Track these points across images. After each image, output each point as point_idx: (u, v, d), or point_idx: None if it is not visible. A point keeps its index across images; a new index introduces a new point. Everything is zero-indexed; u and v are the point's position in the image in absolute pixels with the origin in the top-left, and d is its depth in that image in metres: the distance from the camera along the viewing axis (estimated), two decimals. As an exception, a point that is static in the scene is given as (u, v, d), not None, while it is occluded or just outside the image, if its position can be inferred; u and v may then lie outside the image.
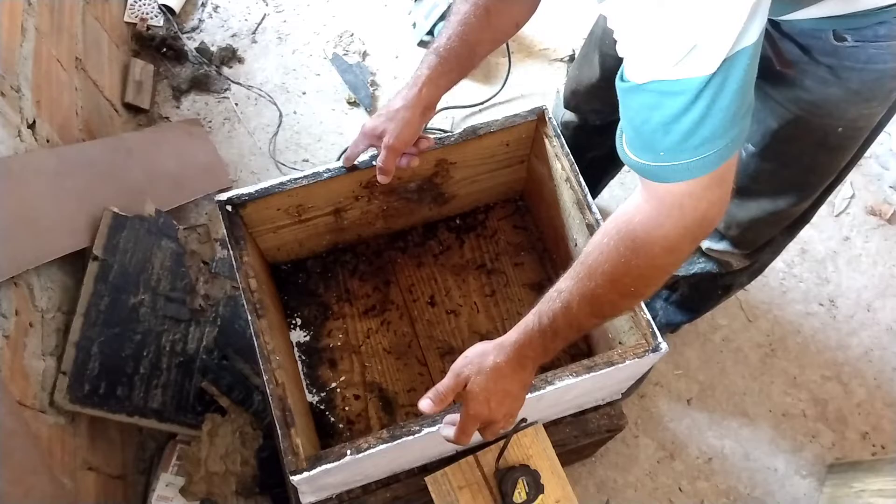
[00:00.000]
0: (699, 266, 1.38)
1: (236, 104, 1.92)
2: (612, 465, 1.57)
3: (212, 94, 1.92)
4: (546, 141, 1.18)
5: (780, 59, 0.93)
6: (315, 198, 1.17)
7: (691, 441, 1.61)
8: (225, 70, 1.96)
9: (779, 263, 1.80)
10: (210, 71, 1.93)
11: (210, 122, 1.89)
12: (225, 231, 1.09)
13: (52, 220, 1.28)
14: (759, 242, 1.28)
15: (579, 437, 1.21)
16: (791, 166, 1.09)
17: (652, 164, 0.67)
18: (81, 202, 1.35)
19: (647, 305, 1.07)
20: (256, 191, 1.11)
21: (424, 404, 0.86)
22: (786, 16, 0.88)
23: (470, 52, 1.01)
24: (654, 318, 1.06)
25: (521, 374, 0.86)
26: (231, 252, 1.08)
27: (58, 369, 1.20)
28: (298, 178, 1.12)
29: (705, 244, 1.32)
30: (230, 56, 1.97)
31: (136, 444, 1.44)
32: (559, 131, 1.17)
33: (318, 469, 0.93)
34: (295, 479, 0.93)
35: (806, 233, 1.84)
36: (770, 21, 0.92)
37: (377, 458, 0.97)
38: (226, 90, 1.93)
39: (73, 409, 1.19)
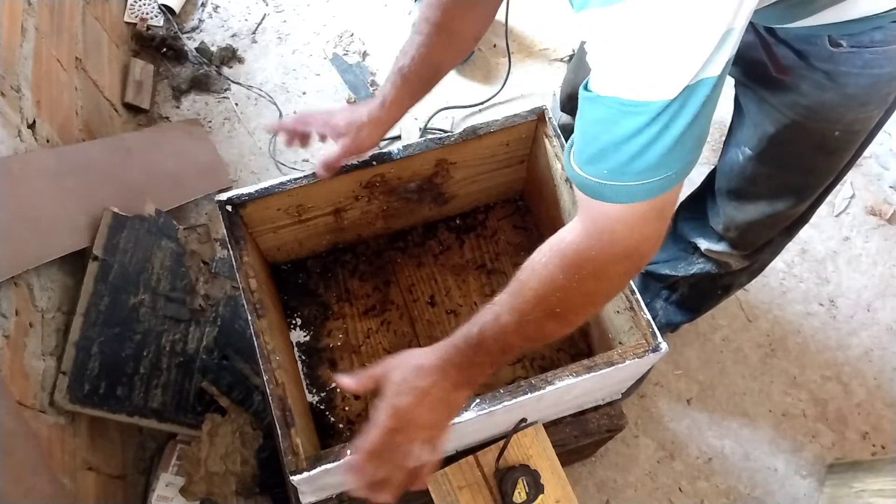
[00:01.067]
0: (698, 266, 1.38)
1: (236, 104, 1.92)
2: (612, 465, 1.57)
3: (212, 94, 1.92)
4: (546, 141, 1.18)
5: (775, 65, 0.93)
6: (315, 198, 1.17)
7: (691, 441, 1.61)
8: (225, 70, 1.96)
9: (779, 263, 1.80)
10: (210, 71, 1.93)
11: (210, 122, 1.89)
12: (225, 231, 1.09)
13: (52, 220, 1.27)
14: (757, 244, 1.28)
15: (579, 437, 1.21)
16: (789, 169, 1.09)
17: (593, 179, 0.66)
18: (81, 202, 1.35)
19: (647, 305, 1.07)
20: (256, 191, 1.11)
21: (343, 378, 0.80)
22: (780, 25, 0.88)
23: (433, 71, 1.04)
24: (654, 318, 1.06)
25: (443, 382, 0.78)
26: (231, 252, 1.08)
27: (58, 369, 1.20)
28: (298, 178, 1.13)
29: (704, 245, 1.33)
30: (230, 56, 1.97)
31: (136, 444, 1.44)
32: (559, 131, 1.17)
33: (318, 469, 0.93)
34: (295, 479, 0.93)
35: (806, 233, 1.84)
36: (766, 28, 0.92)
37: None
38: (226, 90, 1.94)
39: (73, 409, 1.19)
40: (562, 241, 0.73)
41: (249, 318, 1.03)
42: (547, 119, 1.18)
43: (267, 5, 2.07)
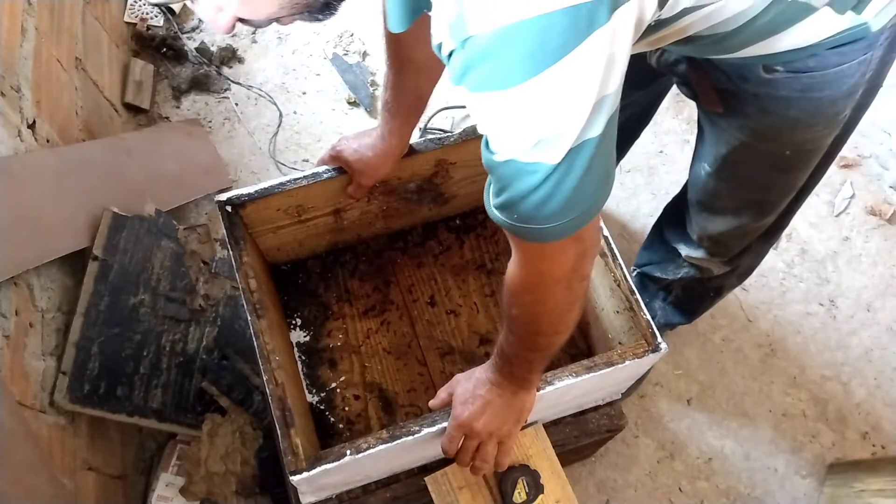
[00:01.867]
0: (684, 270, 1.41)
1: (236, 104, 1.92)
2: (612, 465, 1.57)
3: (212, 94, 1.92)
4: None
5: (706, 98, 0.95)
6: (315, 198, 1.17)
7: (691, 441, 1.61)
8: (225, 70, 1.96)
9: (779, 263, 1.80)
10: (210, 71, 1.93)
11: (210, 122, 1.89)
12: (225, 231, 1.09)
13: (52, 220, 1.28)
14: (733, 251, 1.29)
15: (579, 437, 1.21)
16: (747, 186, 1.10)
17: (510, 222, 0.70)
18: (81, 202, 1.35)
19: (646, 305, 1.07)
20: (256, 191, 1.11)
21: (431, 402, 1.00)
22: (717, 56, 0.88)
23: (414, 98, 1.08)
24: (653, 318, 1.06)
25: (499, 389, 0.92)
26: (231, 252, 1.08)
27: (58, 369, 1.20)
28: (298, 179, 1.13)
29: (685, 251, 1.35)
30: (230, 56, 1.97)
31: (136, 444, 1.44)
32: None
33: (318, 469, 0.93)
34: (295, 479, 0.93)
35: (806, 233, 1.84)
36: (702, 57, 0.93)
37: (377, 458, 0.97)
38: (226, 90, 1.93)
39: (73, 409, 1.19)
40: (507, 274, 0.80)
41: (249, 318, 1.03)
42: None
43: (267, 5, 2.07)
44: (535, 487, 1.08)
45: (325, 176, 1.14)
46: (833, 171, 1.93)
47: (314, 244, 1.30)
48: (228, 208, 1.10)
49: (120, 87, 1.81)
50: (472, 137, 1.17)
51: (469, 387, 0.94)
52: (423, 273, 1.33)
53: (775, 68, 0.86)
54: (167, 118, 1.87)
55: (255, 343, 1.01)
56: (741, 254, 1.31)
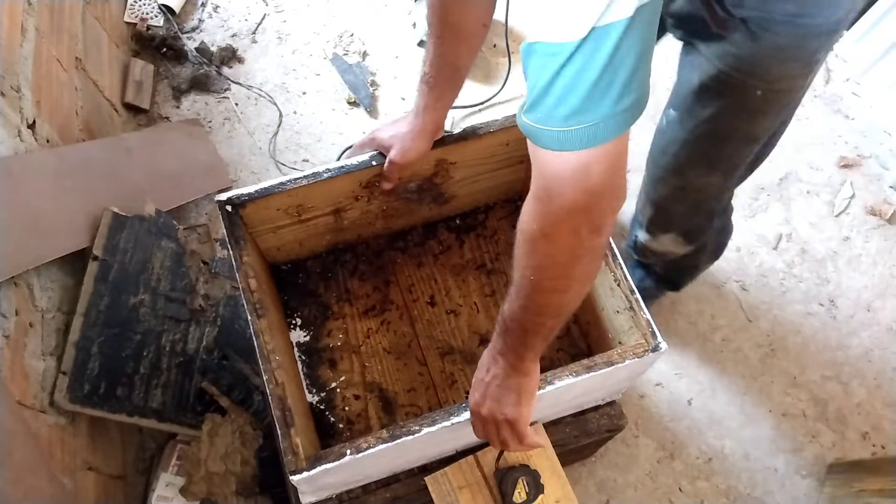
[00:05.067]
0: (653, 259, 1.46)
1: (236, 104, 1.92)
2: (612, 465, 1.57)
3: (212, 94, 1.92)
4: None
5: (714, 19, 0.95)
6: (315, 198, 1.17)
7: (691, 441, 1.61)
8: (225, 70, 1.96)
9: (779, 263, 1.80)
10: (210, 71, 1.93)
11: (210, 122, 1.89)
12: (225, 231, 1.09)
13: (52, 220, 1.28)
14: (676, 222, 1.32)
15: (579, 437, 1.21)
16: (706, 133, 1.10)
17: (531, 124, 0.69)
18: (81, 202, 1.35)
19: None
20: (256, 191, 1.11)
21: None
22: None
23: (452, 70, 1.08)
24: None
25: (494, 367, 0.90)
26: (231, 252, 1.08)
27: (58, 369, 1.20)
28: (298, 178, 1.13)
29: (641, 237, 1.40)
30: (230, 56, 1.97)
31: (136, 444, 1.44)
32: None
33: (318, 469, 0.93)
34: (295, 478, 0.93)
35: (806, 233, 1.84)
36: None
37: (377, 458, 0.97)
38: (226, 90, 1.93)
39: (73, 409, 1.19)
40: (520, 216, 0.78)
41: (249, 318, 1.03)
42: None
43: (267, 5, 2.07)
44: (535, 487, 1.08)
45: (326, 176, 1.14)
46: (833, 171, 1.93)
47: (314, 244, 1.30)
48: (228, 208, 1.10)
49: (120, 87, 1.81)
50: (471, 137, 1.17)
51: (478, 372, 0.93)
52: (423, 273, 1.33)
53: None
54: (167, 118, 1.87)
55: (255, 343, 1.01)
56: (700, 233, 1.34)
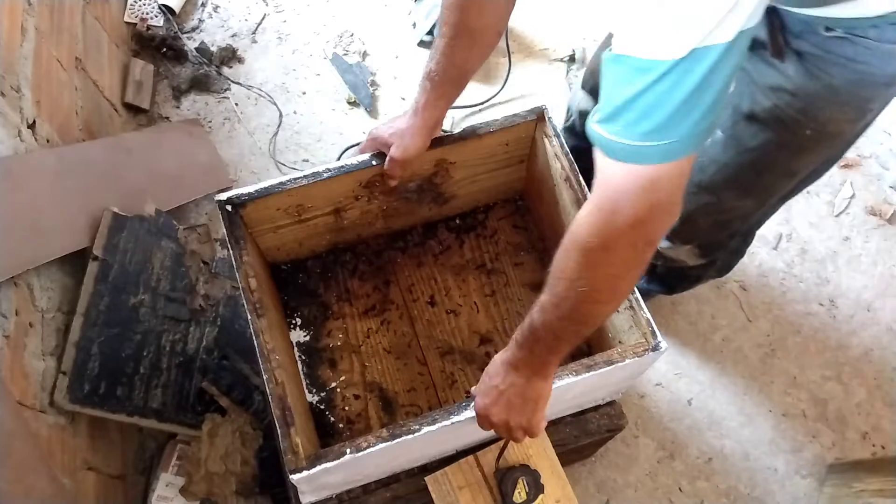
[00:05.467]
0: (660, 262, 1.43)
1: (236, 104, 1.92)
2: (612, 465, 1.57)
3: (212, 94, 1.92)
4: (546, 141, 1.18)
5: (774, 46, 0.94)
6: (315, 198, 1.17)
7: (691, 441, 1.61)
8: (225, 70, 1.96)
9: (779, 263, 1.80)
10: (210, 71, 1.93)
11: (210, 122, 1.89)
12: (225, 230, 1.09)
13: (52, 220, 1.28)
14: (698, 237, 1.30)
15: (579, 437, 1.21)
16: (747, 161, 1.09)
17: (607, 135, 0.69)
18: (81, 202, 1.35)
19: None
20: (256, 190, 1.11)
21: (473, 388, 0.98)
22: (786, 6, 0.89)
23: (460, 72, 1.07)
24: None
25: (511, 375, 0.90)
26: (231, 252, 1.08)
27: (58, 369, 1.20)
28: (298, 178, 1.13)
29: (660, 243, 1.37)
30: (230, 56, 1.97)
31: (136, 444, 1.44)
32: (559, 131, 1.17)
33: (318, 468, 0.93)
34: (295, 477, 0.93)
35: (806, 233, 1.84)
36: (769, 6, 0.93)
37: (377, 458, 0.97)
38: (226, 90, 1.94)
39: (73, 409, 1.19)
40: (575, 220, 0.77)
41: (249, 317, 1.03)
42: (546, 119, 1.18)
43: (267, 5, 2.07)
44: (535, 487, 1.08)
45: (326, 175, 1.14)
46: (833, 171, 1.92)
47: (314, 244, 1.30)
48: (228, 208, 1.10)
49: (120, 87, 1.81)
50: (471, 137, 1.17)
51: (488, 376, 0.93)
52: (423, 273, 1.33)
53: (835, 29, 0.87)
54: (167, 118, 1.87)
55: (255, 343, 1.01)
56: (717, 248, 1.33)
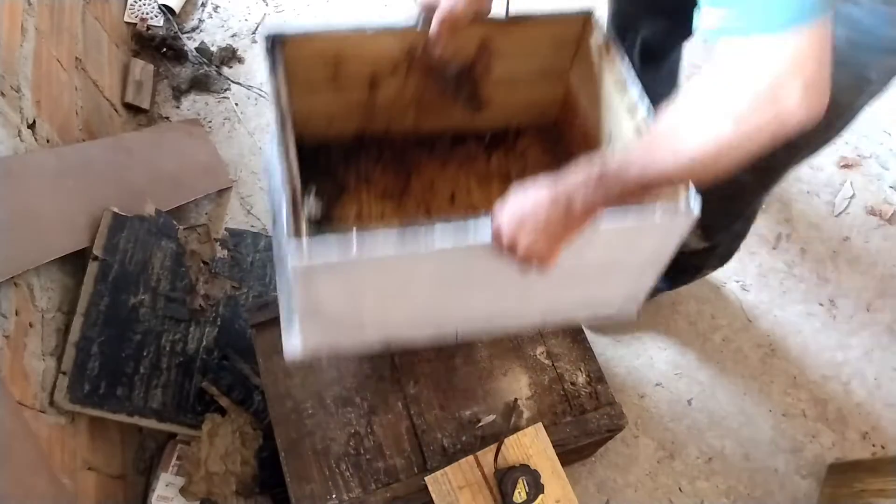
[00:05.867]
0: None
1: (236, 104, 1.92)
2: (612, 465, 1.57)
3: (212, 94, 1.92)
4: (593, 48, 1.13)
5: None
6: (353, 56, 1.12)
7: (691, 441, 1.61)
8: (225, 70, 1.96)
9: (779, 263, 1.80)
10: (210, 71, 1.93)
11: (210, 122, 1.89)
12: (267, 66, 1.03)
13: (52, 220, 1.28)
14: (711, 216, 1.29)
15: (579, 437, 1.21)
16: None
17: (729, 22, 0.68)
18: (81, 202, 1.35)
19: None
20: (299, 30, 1.06)
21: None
22: None
23: None
24: None
25: (556, 210, 0.85)
26: (268, 74, 1.02)
27: (58, 369, 1.20)
28: (341, 27, 1.08)
29: None
30: (230, 56, 1.97)
31: (136, 444, 1.44)
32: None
33: (322, 245, 0.85)
34: (294, 262, 0.84)
35: (806, 233, 1.84)
36: None
37: (386, 271, 0.91)
38: (226, 90, 1.94)
39: (73, 409, 1.19)
40: (690, 87, 0.74)
41: (274, 128, 0.97)
42: (594, 22, 1.12)
43: (267, 5, 2.07)
44: (535, 487, 1.08)
45: (369, 31, 1.09)
46: (833, 171, 1.94)
47: (342, 126, 1.24)
48: (270, 43, 1.04)
49: (120, 87, 1.81)
50: (520, 22, 1.12)
51: (515, 197, 0.89)
52: (448, 173, 1.27)
53: None
54: (167, 118, 1.87)
55: (277, 135, 0.95)
56: (719, 231, 1.33)
